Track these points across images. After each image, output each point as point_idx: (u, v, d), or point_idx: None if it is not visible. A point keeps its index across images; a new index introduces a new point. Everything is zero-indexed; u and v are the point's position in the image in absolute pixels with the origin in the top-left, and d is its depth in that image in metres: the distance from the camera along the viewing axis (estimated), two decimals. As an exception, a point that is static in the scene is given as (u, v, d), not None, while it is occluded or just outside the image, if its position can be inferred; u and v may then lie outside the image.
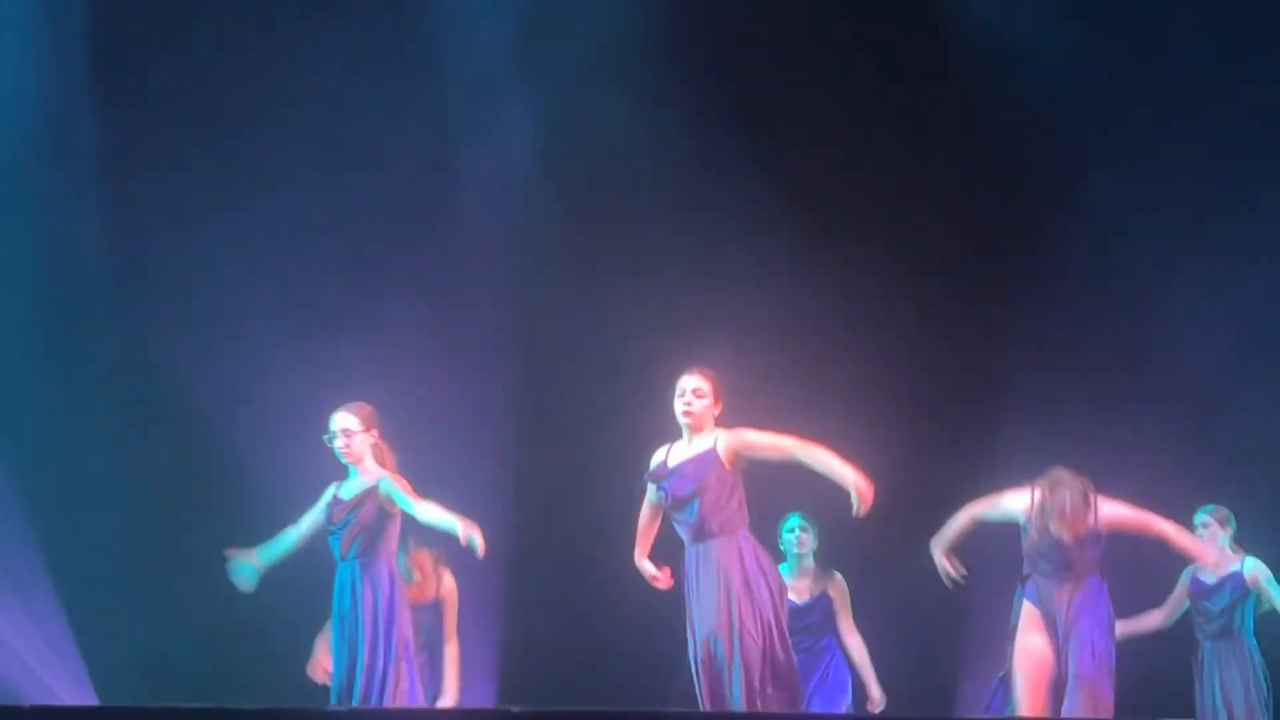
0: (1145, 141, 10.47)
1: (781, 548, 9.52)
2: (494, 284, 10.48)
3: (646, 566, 8.13)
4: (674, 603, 8.62)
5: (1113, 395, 10.35)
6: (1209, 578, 9.49)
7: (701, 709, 7.72)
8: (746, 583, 7.83)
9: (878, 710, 9.31)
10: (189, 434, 10.11)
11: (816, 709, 9.28)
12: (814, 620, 9.43)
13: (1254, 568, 9.51)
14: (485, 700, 9.80)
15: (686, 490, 7.93)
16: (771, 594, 7.88)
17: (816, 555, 9.56)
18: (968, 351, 10.52)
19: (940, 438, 10.20)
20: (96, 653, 9.89)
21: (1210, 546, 9.28)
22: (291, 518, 8.63)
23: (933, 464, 9.87)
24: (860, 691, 9.50)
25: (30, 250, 10.49)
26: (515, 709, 7.36)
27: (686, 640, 7.86)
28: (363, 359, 9.79)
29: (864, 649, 9.48)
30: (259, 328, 10.21)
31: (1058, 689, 8.10)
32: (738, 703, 7.64)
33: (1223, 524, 9.53)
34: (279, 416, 9.57)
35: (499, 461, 10.26)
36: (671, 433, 8.12)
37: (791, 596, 8.73)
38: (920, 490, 9.14)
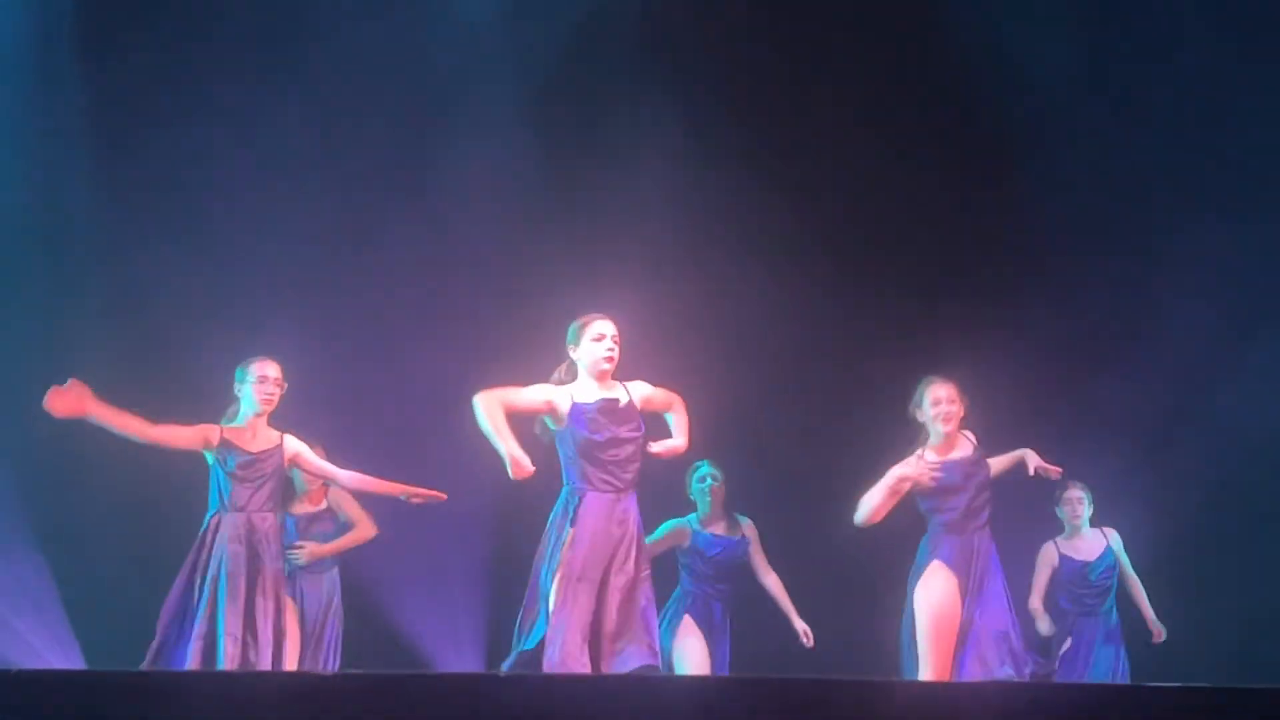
0: (1127, 142, 10.47)
1: (692, 496, 9.60)
2: (478, 263, 10.46)
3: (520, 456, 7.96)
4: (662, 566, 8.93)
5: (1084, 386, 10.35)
6: (1076, 553, 9.68)
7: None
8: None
9: (809, 643, 9.36)
10: (178, 403, 9.63)
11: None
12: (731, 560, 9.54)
13: (1118, 542, 9.71)
14: (475, 665, 9.83)
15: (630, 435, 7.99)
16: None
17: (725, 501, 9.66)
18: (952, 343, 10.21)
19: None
20: (84, 619, 9.92)
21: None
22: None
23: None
24: (785, 629, 9.53)
25: (24, 226, 10.47)
26: (504, 673, 7.41)
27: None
28: (348, 333, 9.90)
29: (781, 585, 9.55)
30: (246, 305, 10.18)
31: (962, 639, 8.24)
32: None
33: (1086, 501, 9.71)
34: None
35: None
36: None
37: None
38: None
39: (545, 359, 8.35)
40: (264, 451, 8.51)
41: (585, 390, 8.04)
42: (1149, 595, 9.68)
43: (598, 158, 10.53)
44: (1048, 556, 9.65)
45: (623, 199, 10.40)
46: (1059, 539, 9.66)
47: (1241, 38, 10.42)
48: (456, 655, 9.77)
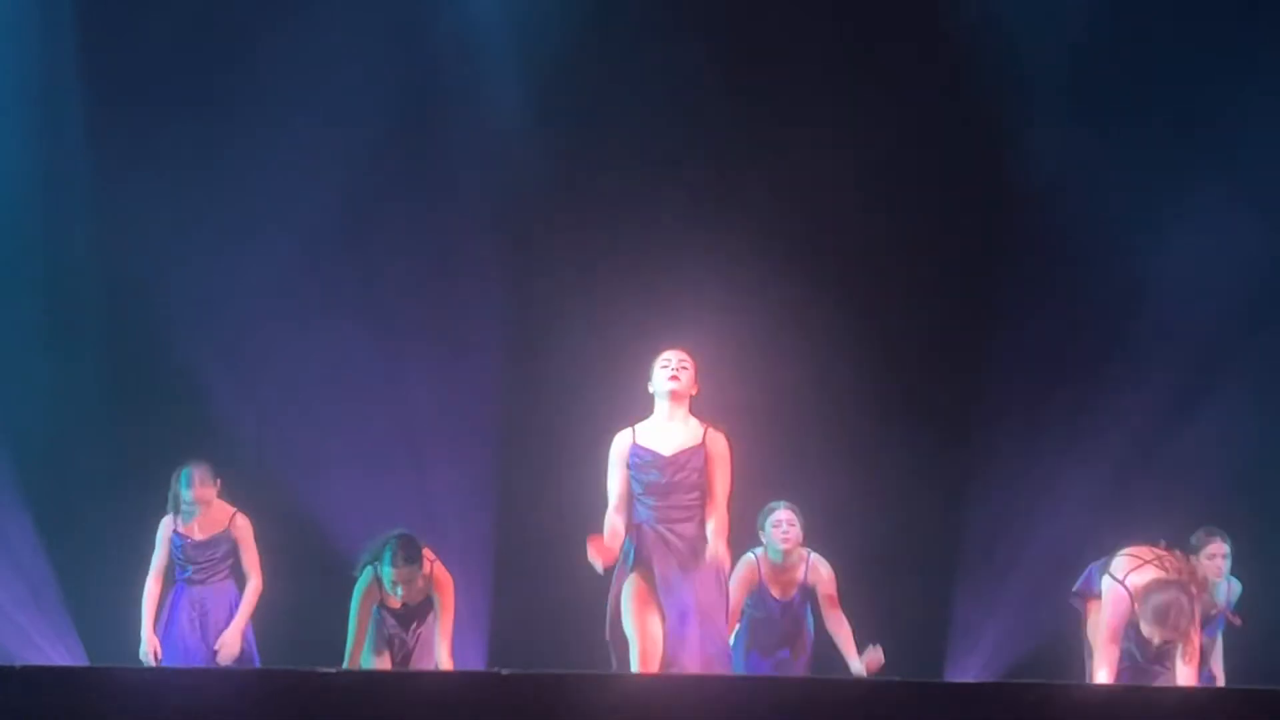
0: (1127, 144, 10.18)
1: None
2: (482, 252, 10.23)
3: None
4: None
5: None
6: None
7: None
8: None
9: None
10: (179, 408, 9.90)
11: None
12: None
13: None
14: (475, 663, 9.72)
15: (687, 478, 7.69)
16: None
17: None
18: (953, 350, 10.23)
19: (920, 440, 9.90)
20: (86, 617, 9.85)
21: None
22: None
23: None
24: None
25: (24, 235, 10.34)
26: (505, 671, 7.05)
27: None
28: (351, 330, 9.71)
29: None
30: (247, 301, 10.01)
31: None
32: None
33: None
34: (270, 393, 9.51)
35: (490, 432, 10.06)
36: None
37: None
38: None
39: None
40: (212, 538, 8.99)
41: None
42: None
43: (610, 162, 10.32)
44: None
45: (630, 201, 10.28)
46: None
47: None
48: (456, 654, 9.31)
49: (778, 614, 8.72)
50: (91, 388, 10.37)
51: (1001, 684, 8.40)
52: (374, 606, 8.48)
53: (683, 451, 7.65)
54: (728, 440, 7.70)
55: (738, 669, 8.40)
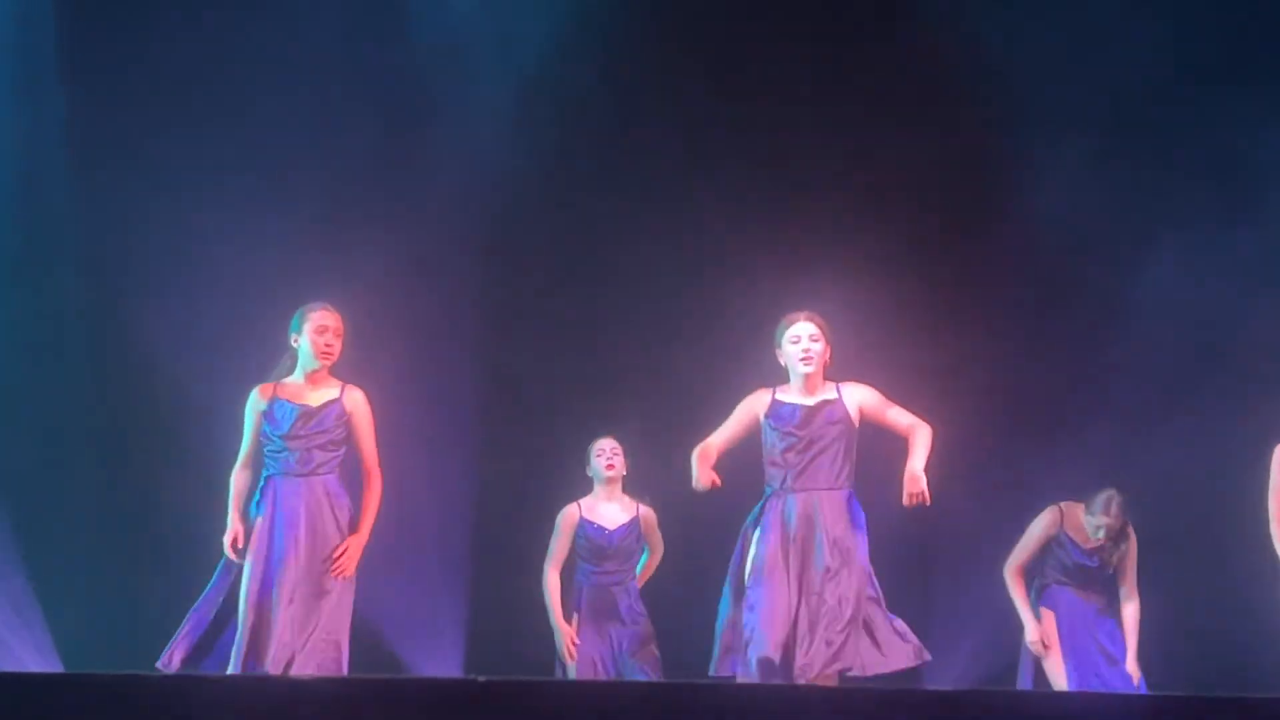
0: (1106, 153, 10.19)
1: None
2: (462, 255, 10.17)
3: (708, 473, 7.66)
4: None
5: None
6: None
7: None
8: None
9: None
10: (160, 405, 9.75)
11: None
12: None
13: None
14: (452, 670, 9.59)
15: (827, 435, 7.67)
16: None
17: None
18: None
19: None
20: (62, 623, 9.62)
21: None
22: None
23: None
24: None
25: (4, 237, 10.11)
26: (482, 678, 6.87)
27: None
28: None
29: None
30: (232, 293, 9.86)
31: None
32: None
33: None
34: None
35: (469, 429, 10.00)
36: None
37: None
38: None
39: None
40: (325, 404, 7.81)
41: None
42: None
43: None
44: None
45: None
46: None
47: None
48: (433, 661, 9.59)
49: None
50: (74, 387, 10.12)
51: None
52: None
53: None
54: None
55: None
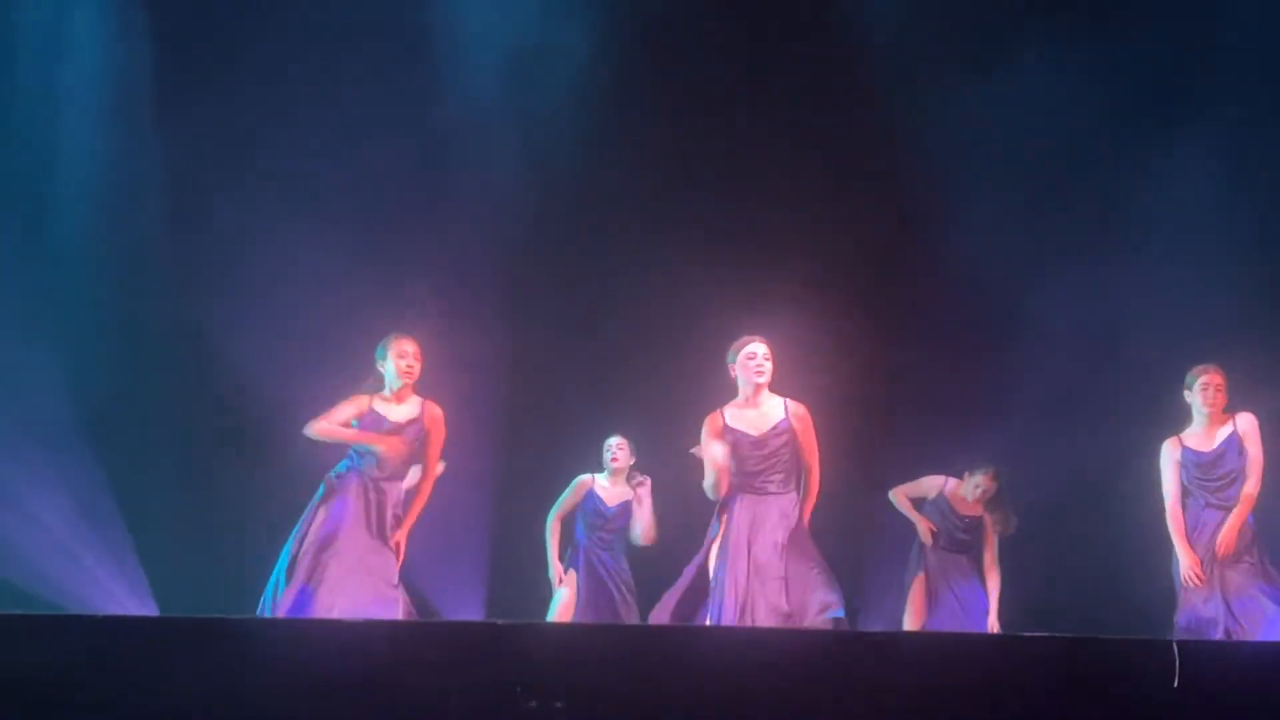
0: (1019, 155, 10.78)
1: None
2: (485, 273, 10.85)
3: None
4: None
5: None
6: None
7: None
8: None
9: None
10: (242, 377, 10.26)
11: None
12: None
13: None
14: (473, 614, 10.14)
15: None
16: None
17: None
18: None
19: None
20: (158, 571, 10.20)
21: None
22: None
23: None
24: None
25: (97, 225, 10.80)
26: (500, 621, 7.44)
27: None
28: (374, 330, 9.68)
29: None
30: (293, 298, 10.50)
31: None
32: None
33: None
34: (318, 361, 9.69)
35: (496, 418, 10.64)
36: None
37: None
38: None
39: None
40: (408, 420, 8.53)
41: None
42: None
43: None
44: None
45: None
46: None
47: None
48: (459, 604, 10.14)
49: None
50: (160, 345, 10.70)
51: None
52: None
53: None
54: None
55: None
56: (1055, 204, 10.75)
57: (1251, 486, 8.72)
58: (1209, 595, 8.65)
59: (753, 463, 8.19)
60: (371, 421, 8.53)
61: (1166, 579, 8.90)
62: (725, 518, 8.20)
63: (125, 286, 10.77)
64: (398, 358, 8.59)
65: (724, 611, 7.99)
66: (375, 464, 8.50)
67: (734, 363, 8.30)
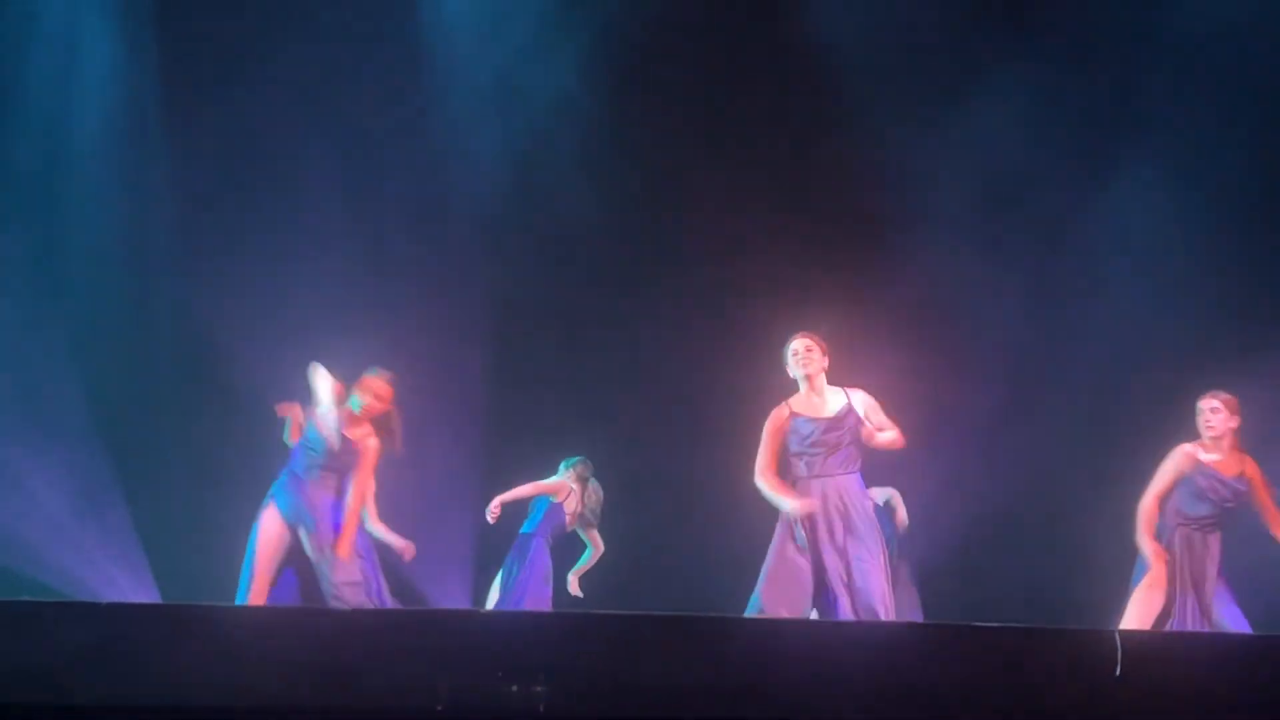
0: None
1: None
2: (473, 280, 11.09)
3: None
4: (638, 509, 9.86)
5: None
6: None
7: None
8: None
9: None
10: (244, 371, 10.37)
11: None
12: None
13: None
14: (460, 602, 10.28)
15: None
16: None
17: None
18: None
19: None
20: (160, 560, 10.36)
21: None
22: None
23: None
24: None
25: (107, 221, 11.03)
26: (483, 609, 8.01)
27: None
28: (369, 332, 10.24)
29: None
30: (290, 305, 10.72)
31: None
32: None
33: None
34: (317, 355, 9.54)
35: (479, 416, 10.87)
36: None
37: None
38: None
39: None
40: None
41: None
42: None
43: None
44: None
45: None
46: None
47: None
48: (444, 595, 10.24)
49: None
50: (166, 336, 10.92)
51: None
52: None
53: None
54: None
55: None
56: (1009, 227, 11.03)
57: None
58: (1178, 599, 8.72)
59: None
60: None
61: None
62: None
63: (132, 279, 10.97)
64: (364, 393, 8.88)
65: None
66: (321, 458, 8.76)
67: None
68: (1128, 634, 7.42)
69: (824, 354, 8.54)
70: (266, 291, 10.74)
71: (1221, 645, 7.73)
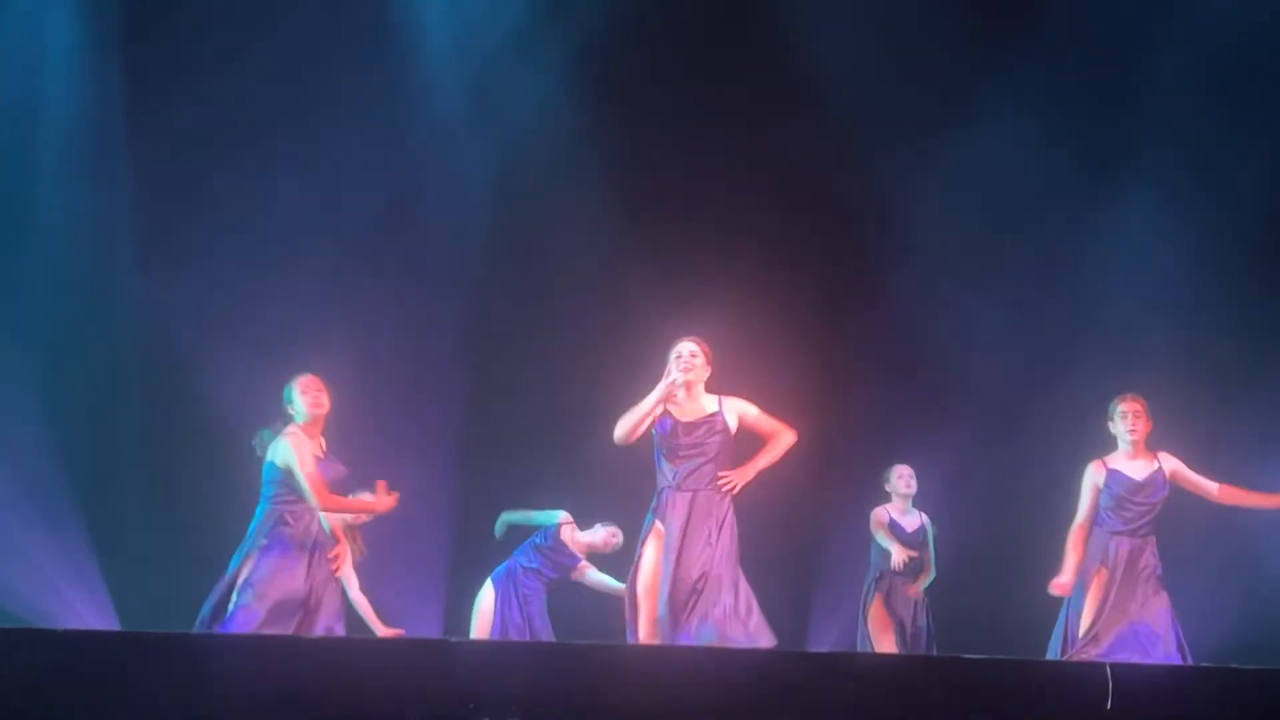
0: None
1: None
2: (454, 284, 11.07)
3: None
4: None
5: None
6: None
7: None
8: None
9: None
10: (208, 389, 10.29)
11: None
12: None
13: None
14: (432, 631, 10.18)
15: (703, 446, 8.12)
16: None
17: None
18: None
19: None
20: (120, 584, 10.19)
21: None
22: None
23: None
24: None
25: (67, 224, 10.79)
26: (454, 639, 7.94)
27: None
28: (342, 341, 10.19)
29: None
30: (260, 318, 10.62)
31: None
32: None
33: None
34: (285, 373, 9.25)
35: (452, 439, 10.78)
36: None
37: None
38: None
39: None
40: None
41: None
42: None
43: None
44: None
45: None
46: None
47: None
48: (416, 623, 10.04)
49: None
50: (126, 356, 10.68)
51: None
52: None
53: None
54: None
55: None
56: (997, 250, 11.05)
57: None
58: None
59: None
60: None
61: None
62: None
63: (94, 284, 10.80)
64: (302, 393, 8.56)
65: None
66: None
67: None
68: (1119, 667, 7.40)
69: (708, 363, 8.29)
70: (236, 300, 10.64)
71: (1215, 679, 7.63)
